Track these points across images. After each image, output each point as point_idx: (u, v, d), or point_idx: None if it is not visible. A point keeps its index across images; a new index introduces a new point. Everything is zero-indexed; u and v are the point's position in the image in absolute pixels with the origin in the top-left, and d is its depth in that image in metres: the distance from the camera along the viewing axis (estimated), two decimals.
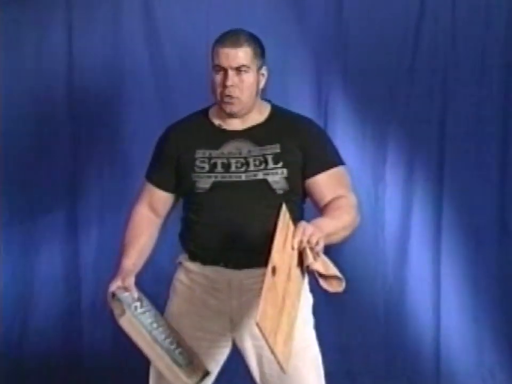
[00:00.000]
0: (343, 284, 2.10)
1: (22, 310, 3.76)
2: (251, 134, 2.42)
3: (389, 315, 3.77)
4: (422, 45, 3.67)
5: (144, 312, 2.35)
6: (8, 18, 3.58)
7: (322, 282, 2.11)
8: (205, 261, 2.45)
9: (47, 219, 3.71)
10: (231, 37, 2.38)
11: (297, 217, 2.35)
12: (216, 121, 2.44)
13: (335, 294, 2.13)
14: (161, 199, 2.51)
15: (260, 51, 2.42)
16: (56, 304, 3.75)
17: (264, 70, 2.43)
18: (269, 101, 2.52)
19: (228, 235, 2.36)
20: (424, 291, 3.77)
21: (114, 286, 2.36)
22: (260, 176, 2.38)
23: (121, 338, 3.21)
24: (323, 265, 2.10)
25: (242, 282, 2.42)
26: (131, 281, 2.38)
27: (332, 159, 2.46)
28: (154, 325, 2.33)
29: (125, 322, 2.27)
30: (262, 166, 2.38)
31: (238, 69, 2.36)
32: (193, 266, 2.48)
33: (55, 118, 3.69)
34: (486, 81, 3.68)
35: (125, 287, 2.35)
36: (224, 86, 2.35)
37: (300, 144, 2.41)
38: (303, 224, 2.12)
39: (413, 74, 3.70)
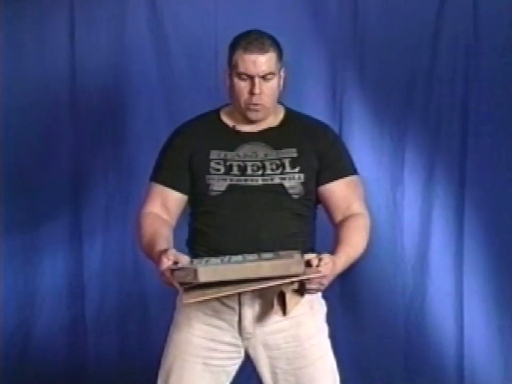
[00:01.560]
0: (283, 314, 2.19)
1: (24, 322, 3.71)
2: (266, 137, 2.41)
3: (408, 325, 3.69)
4: (442, 45, 3.61)
5: (207, 261, 2.25)
6: (9, 17, 3.54)
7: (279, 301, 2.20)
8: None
9: (50, 227, 3.66)
10: (255, 42, 2.34)
11: (309, 221, 2.41)
12: (230, 123, 2.42)
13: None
14: (175, 200, 2.45)
15: (281, 53, 2.41)
16: (60, 314, 3.71)
17: (282, 72, 2.42)
18: (281, 104, 2.50)
19: (241, 239, 2.34)
20: (446, 300, 3.70)
21: (165, 264, 2.22)
22: (277, 180, 2.36)
23: (127, 348, 3.50)
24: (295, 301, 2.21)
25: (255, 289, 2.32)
26: (176, 253, 2.27)
27: (347, 167, 2.47)
28: (226, 258, 2.24)
29: (203, 275, 2.10)
30: (279, 170, 2.37)
31: (265, 76, 2.34)
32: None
33: (58, 122, 3.63)
34: (508, 81, 3.60)
35: (174, 262, 2.23)
36: (252, 93, 2.33)
37: (316, 149, 2.40)
38: (329, 266, 2.20)
39: (432, 75, 3.63)
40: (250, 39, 2.34)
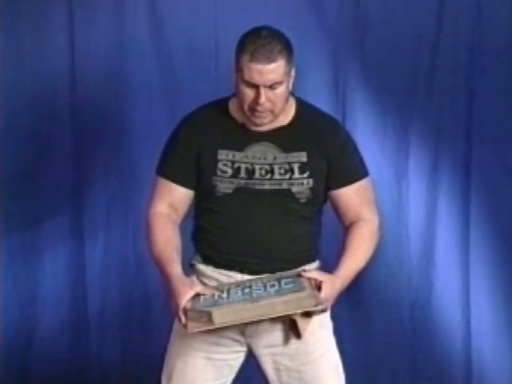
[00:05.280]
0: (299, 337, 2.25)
1: (26, 321, 3.68)
2: (276, 137, 2.35)
3: (414, 319, 3.64)
4: (445, 34, 3.54)
5: (228, 291, 2.26)
6: (8, 17, 3.52)
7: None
8: (218, 265, 2.40)
9: (51, 226, 3.63)
10: (262, 50, 2.24)
11: (315, 221, 2.41)
12: (239, 119, 2.35)
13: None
14: (183, 197, 2.41)
15: (291, 56, 2.32)
16: (62, 314, 3.68)
17: (293, 71, 2.34)
18: (293, 95, 2.43)
19: (246, 241, 2.33)
20: (453, 293, 3.65)
21: (184, 300, 2.23)
22: (285, 185, 2.33)
23: (130, 347, 3.56)
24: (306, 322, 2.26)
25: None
26: (197, 284, 2.30)
27: (357, 172, 2.43)
28: (247, 290, 2.23)
29: (218, 318, 2.13)
30: (287, 176, 2.33)
31: (272, 86, 2.27)
32: (206, 269, 2.42)
33: (58, 121, 3.59)
34: None
35: (198, 293, 2.25)
36: (256, 103, 2.27)
37: (326, 153, 2.36)
38: (328, 290, 2.23)
39: (436, 65, 3.57)
40: (258, 46, 2.24)
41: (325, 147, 2.36)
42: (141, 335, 3.63)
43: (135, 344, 3.63)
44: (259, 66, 2.22)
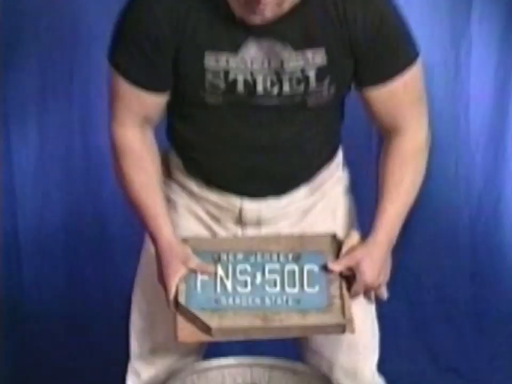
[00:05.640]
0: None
1: None
2: (282, 28, 1.97)
3: (476, 242, 3.23)
4: None
5: (234, 271, 2.05)
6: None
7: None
8: (208, 181, 2.15)
9: None
10: None
11: (336, 116, 2.13)
12: (236, 10, 1.96)
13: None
14: (157, 104, 2.07)
15: None
16: None
17: None
18: None
19: (246, 164, 2.08)
20: None
21: (175, 283, 2.02)
22: (298, 99, 2.02)
23: (78, 276, 3.28)
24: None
25: (261, 214, 2.15)
26: (191, 257, 2.05)
27: (400, 60, 2.02)
28: (258, 274, 2.03)
29: (218, 335, 1.96)
30: (302, 87, 2.00)
31: None
32: (189, 182, 2.15)
33: None
34: None
35: (192, 270, 2.05)
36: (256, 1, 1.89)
37: (354, 41, 1.98)
38: (370, 272, 2.01)
39: None
40: None
41: (351, 32, 1.98)
42: (93, 260, 3.27)
43: (86, 271, 3.29)
44: None
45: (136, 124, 2.09)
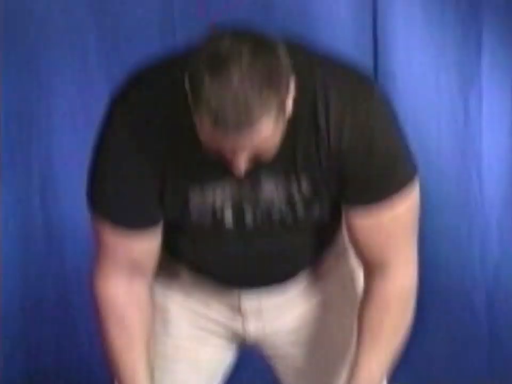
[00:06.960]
0: None
1: None
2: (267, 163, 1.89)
3: (493, 313, 3.03)
4: None
5: None
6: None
7: None
8: (200, 271, 2.03)
9: None
10: (232, 109, 1.61)
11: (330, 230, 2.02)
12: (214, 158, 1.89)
13: None
14: (149, 242, 1.91)
15: (287, 92, 1.70)
16: None
17: (292, 93, 1.74)
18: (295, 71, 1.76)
19: (237, 272, 1.97)
20: None
21: None
22: (287, 224, 1.91)
23: None
24: None
25: (261, 306, 2.02)
26: None
27: (393, 182, 1.84)
28: None
29: None
30: (290, 217, 1.89)
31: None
32: (180, 269, 2.02)
33: None
34: None
35: None
36: (231, 164, 1.76)
37: (343, 173, 1.85)
38: None
39: None
40: (225, 102, 1.62)
41: (342, 163, 1.86)
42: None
43: None
44: (230, 138, 1.67)
45: (125, 273, 1.93)
